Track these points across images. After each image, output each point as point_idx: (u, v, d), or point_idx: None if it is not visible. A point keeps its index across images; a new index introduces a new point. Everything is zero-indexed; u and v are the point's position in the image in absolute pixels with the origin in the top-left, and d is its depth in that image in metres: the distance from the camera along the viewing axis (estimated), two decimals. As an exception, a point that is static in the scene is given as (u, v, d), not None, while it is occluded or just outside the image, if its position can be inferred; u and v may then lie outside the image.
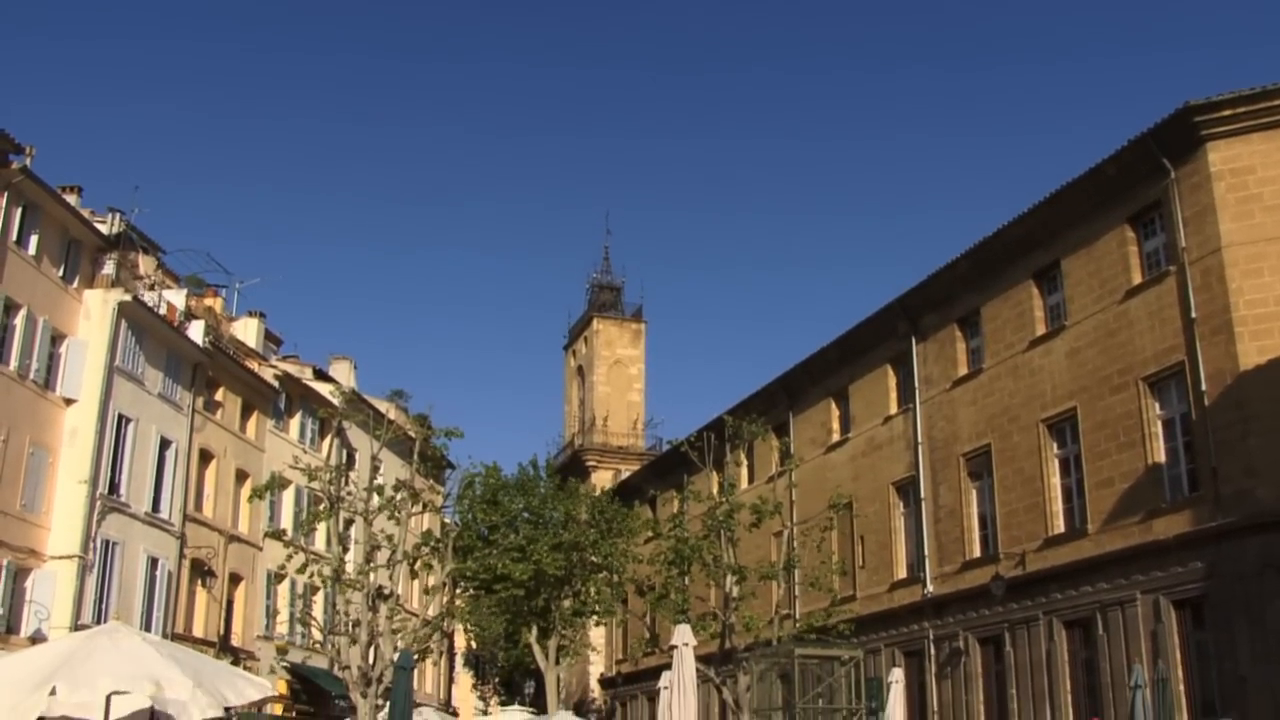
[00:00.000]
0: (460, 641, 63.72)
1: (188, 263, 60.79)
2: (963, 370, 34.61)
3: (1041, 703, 29.84)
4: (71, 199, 34.92)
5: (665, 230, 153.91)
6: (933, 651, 34.47)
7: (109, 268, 35.70)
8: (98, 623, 27.57)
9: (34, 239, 32.28)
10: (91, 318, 34.17)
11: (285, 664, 41.91)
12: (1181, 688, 25.67)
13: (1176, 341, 26.96)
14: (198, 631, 37.36)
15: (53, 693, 12.16)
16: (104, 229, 36.33)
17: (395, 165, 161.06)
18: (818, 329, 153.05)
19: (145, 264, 39.17)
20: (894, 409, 37.83)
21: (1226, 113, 26.56)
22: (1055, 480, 30.63)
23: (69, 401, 33.26)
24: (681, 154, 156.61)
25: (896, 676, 20.68)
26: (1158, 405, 27.72)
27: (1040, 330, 31.59)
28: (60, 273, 33.58)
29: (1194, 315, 26.45)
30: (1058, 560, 29.67)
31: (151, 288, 38.04)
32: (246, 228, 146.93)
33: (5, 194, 30.96)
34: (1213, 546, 25.39)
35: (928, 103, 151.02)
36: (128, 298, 34.69)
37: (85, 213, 35.54)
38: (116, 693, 12.55)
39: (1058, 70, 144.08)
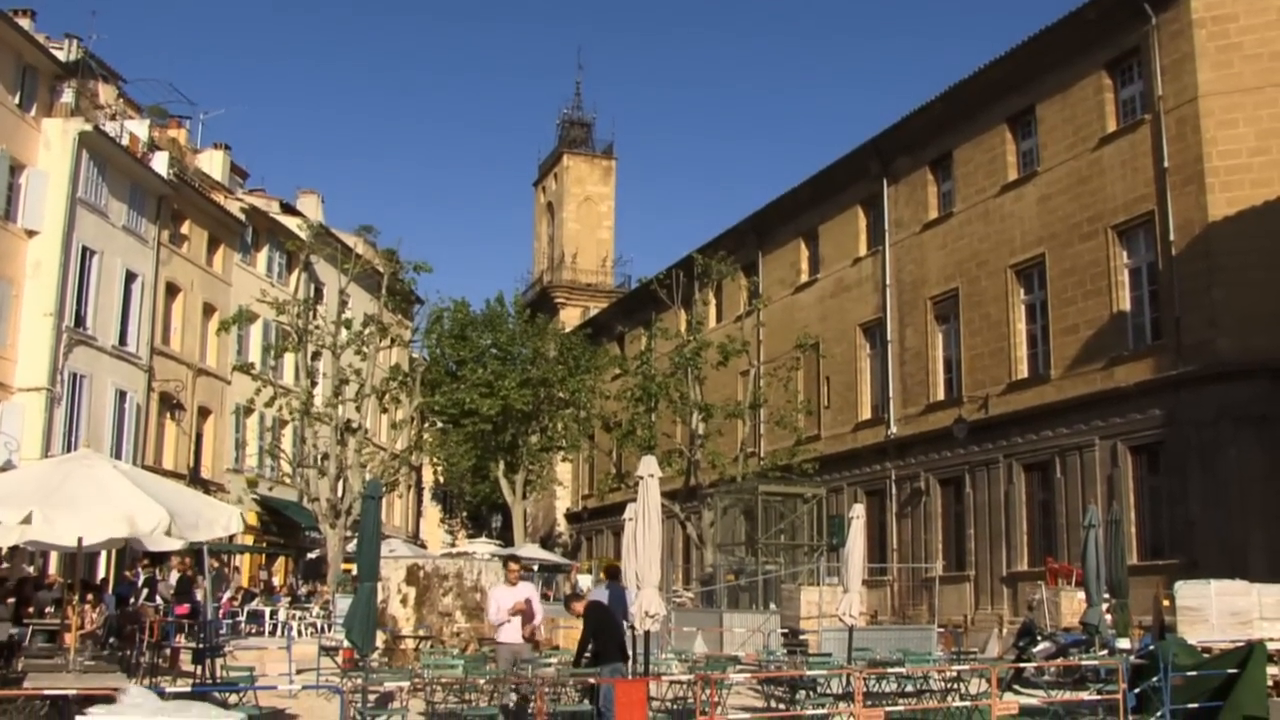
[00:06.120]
0: (428, 476, 64.51)
1: (149, 92, 59.39)
2: (933, 214, 34.60)
3: (998, 542, 30.67)
4: (25, 23, 33.78)
5: (637, 67, 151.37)
6: (894, 491, 35.21)
7: (68, 96, 34.74)
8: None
9: (-14, 64, 31.35)
10: (51, 148, 33.41)
11: (255, 496, 42.42)
12: (1133, 529, 26.43)
13: (1147, 190, 26.97)
14: (167, 464, 37.59)
15: (28, 520, 12.19)
16: (61, 56, 35.28)
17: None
18: (789, 170, 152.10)
19: (105, 93, 38.16)
20: (863, 250, 37.88)
21: (1211, -44, 26.13)
22: (1021, 326, 30.96)
23: (31, 233, 32.74)
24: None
25: (858, 513, 21.10)
26: (1125, 254, 27.88)
27: (1012, 175, 31.51)
28: (16, 100, 32.68)
29: (1166, 165, 26.42)
30: (1020, 404, 30.19)
31: (113, 118, 37.12)
32: (210, 56, 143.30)
33: (-47, 16, 29.96)
34: (1171, 394, 25.88)
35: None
36: (88, 127, 33.91)
37: (40, 38, 34.46)
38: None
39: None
